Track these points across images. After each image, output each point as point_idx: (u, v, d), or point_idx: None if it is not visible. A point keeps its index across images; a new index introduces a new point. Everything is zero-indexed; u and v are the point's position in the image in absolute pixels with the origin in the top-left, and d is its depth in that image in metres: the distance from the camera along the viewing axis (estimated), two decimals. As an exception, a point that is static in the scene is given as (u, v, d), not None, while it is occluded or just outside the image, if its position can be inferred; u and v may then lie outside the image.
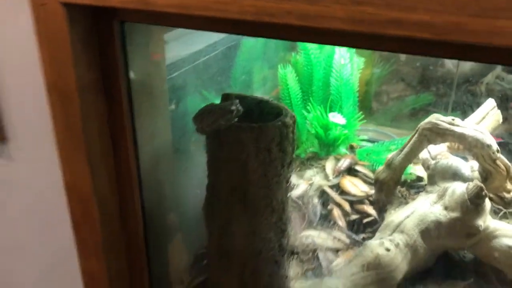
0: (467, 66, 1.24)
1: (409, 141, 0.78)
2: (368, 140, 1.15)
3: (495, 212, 0.88)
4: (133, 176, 0.57)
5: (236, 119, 0.59)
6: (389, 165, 0.80)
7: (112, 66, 0.52)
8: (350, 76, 1.04)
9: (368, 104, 1.24)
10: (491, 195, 0.89)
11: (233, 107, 0.58)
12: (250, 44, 1.02)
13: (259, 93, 1.06)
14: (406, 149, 0.78)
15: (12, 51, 0.52)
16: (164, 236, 0.69)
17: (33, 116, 0.54)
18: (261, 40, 1.03)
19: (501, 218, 0.85)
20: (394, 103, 1.29)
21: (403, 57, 1.27)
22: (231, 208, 0.63)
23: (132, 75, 0.55)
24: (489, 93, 1.27)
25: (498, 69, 1.26)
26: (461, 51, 0.37)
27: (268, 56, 1.06)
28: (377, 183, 0.82)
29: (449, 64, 1.26)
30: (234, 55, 0.97)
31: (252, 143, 0.58)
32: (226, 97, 0.66)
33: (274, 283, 0.67)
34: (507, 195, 0.91)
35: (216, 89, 0.80)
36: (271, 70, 1.04)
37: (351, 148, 1.08)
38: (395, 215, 0.74)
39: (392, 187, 0.80)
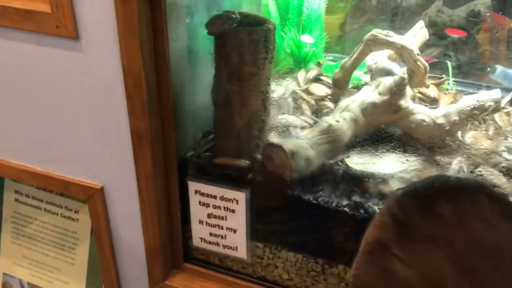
0: (412, 1, 1.53)
1: (357, 49, 1.08)
2: (333, 60, 1.45)
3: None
4: (167, 60, 0.85)
5: (235, 25, 0.88)
6: (342, 67, 1.10)
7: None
8: (318, 6, 1.32)
9: (334, 32, 1.52)
10: (417, 91, 1.20)
11: (234, 15, 0.87)
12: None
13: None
14: (355, 55, 1.08)
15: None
16: (183, 111, 0.98)
17: (101, 18, 0.82)
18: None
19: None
20: (355, 32, 1.58)
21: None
22: (231, 89, 0.93)
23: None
24: (431, 24, 1.57)
25: (440, 3, 1.55)
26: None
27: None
28: (334, 81, 1.12)
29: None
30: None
31: (247, 39, 0.87)
32: (226, 12, 0.94)
33: (258, 142, 0.98)
34: (432, 95, 1.23)
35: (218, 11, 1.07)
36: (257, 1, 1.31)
37: (319, 64, 1.38)
38: (344, 101, 1.05)
39: (344, 84, 1.10)
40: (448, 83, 1.31)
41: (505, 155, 1.03)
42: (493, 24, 1.49)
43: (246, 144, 0.99)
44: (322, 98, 1.21)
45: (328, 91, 1.23)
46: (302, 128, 1.09)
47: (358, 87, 1.21)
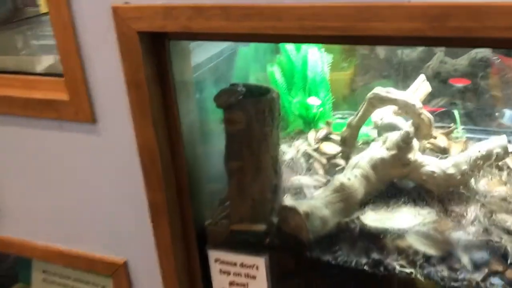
0: (414, 54, 1.58)
1: (361, 107, 1.12)
2: (341, 118, 1.49)
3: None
4: (179, 135, 0.90)
5: (241, 97, 0.93)
6: (349, 125, 1.13)
7: (164, 68, 0.86)
8: (322, 69, 1.38)
9: (340, 91, 1.57)
10: (426, 143, 1.22)
11: (240, 88, 0.92)
12: (245, 50, 1.36)
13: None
14: (359, 113, 1.12)
15: (103, 59, 0.85)
16: (198, 181, 1.02)
17: (115, 101, 0.88)
18: (252, 46, 1.38)
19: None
20: (361, 90, 1.63)
21: (365, 52, 1.61)
22: (242, 157, 0.97)
23: (174, 72, 0.89)
24: (435, 75, 1.61)
25: (442, 54, 1.60)
26: (359, 39, 0.71)
27: (259, 59, 1.40)
28: (341, 139, 1.15)
29: (400, 54, 1.60)
30: (234, 59, 1.31)
31: (253, 110, 0.92)
32: (233, 85, 1.00)
33: (273, 205, 1.01)
34: (442, 144, 1.24)
35: (225, 83, 1.14)
36: (263, 69, 1.38)
37: (328, 124, 1.42)
38: (353, 159, 1.08)
39: (352, 141, 1.14)
40: (457, 131, 1.33)
41: (521, 199, 1.03)
42: (501, 66, 1.53)
43: (261, 209, 1.01)
44: (334, 156, 1.24)
45: (339, 148, 1.26)
46: (316, 187, 1.11)
47: (368, 143, 1.24)
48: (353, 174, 1.02)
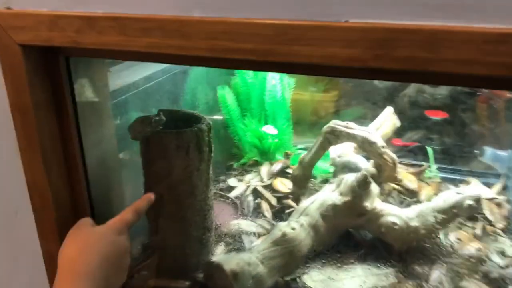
0: (389, 82, 1.43)
1: (315, 143, 0.96)
2: (304, 149, 1.33)
3: (401, 202, 1.05)
4: (80, 173, 0.73)
5: (160, 127, 0.77)
6: (301, 163, 0.97)
7: (60, 89, 0.69)
8: (282, 94, 1.22)
9: (304, 118, 1.42)
10: (396, 187, 1.06)
11: (157, 118, 0.76)
12: (197, 70, 1.20)
13: (204, 112, 1.23)
14: (313, 149, 0.96)
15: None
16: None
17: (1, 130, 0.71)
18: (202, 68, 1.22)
19: (405, 206, 1.02)
20: (329, 118, 1.48)
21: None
22: (162, 200, 0.80)
23: (77, 96, 0.72)
24: (411, 104, 1.46)
25: (420, 84, 1.45)
26: (281, 67, 0.56)
27: (212, 80, 1.24)
28: (293, 178, 0.99)
29: (375, 81, 1.45)
30: (177, 81, 1.15)
31: (173, 145, 0.76)
32: (159, 112, 0.84)
33: (199, 258, 0.84)
34: (411, 186, 1.09)
35: (157, 108, 0.98)
36: (213, 92, 1.22)
37: (287, 155, 1.26)
38: (303, 203, 0.91)
39: (304, 181, 0.97)
40: (430, 171, 1.18)
41: (496, 259, 0.87)
42: (489, 95, 1.38)
43: (184, 262, 0.84)
44: (287, 196, 1.07)
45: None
46: (257, 235, 0.94)
47: (327, 181, 1.08)
48: (299, 223, 0.86)
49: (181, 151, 0.76)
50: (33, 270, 0.80)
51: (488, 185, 1.12)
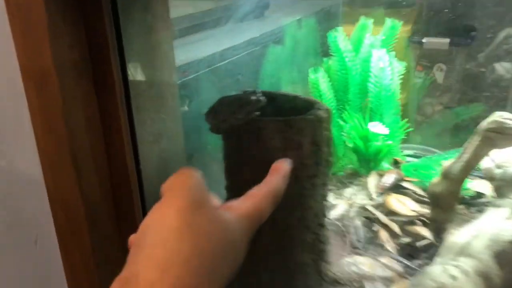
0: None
1: (467, 146, 0.65)
2: (414, 156, 1.02)
3: None
4: (131, 179, 0.46)
5: (257, 113, 0.48)
6: (446, 175, 0.66)
7: (102, 46, 0.42)
8: (391, 81, 0.91)
9: (411, 115, 1.11)
10: None
11: (253, 97, 0.47)
12: (277, 50, 0.92)
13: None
14: (466, 155, 0.65)
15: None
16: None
17: (10, 112, 0.45)
18: (288, 45, 0.93)
19: None
20: (440, 116, 1.16)
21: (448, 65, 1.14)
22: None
23: (129, 60, 0.45)
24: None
25: None
26: None
27: (297, 62, 0.95)
28: (432, 197, 0.68)
29: (501, 69, 1.12)
30: (259, 60, 0.87)
31: (279, 139, 0.46)
32: (242, 95, 0.55)
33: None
34: None
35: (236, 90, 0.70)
36: (301, 77, 0.93)
37: (395, 164, 0.95)
38: (457, 236, 0.60)
39: (451, 202, 0.66)
40: None
41: None
42: None
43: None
44: (411, 221, 0.76)
45: (417, 207, 0.78)
46: (386, 280, 0.64)
47: (467, 205, 0.76)
48: (461, 268, 0.55)
49: (290, 149, 0.47)
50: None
51: None
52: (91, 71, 0.42)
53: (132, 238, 0.35)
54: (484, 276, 0.55)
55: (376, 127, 0.88)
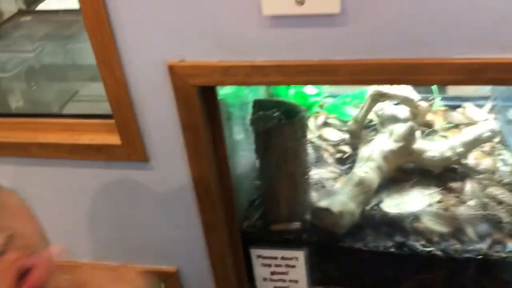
0: None
1: (365, 104, 1.25)
2: (330, 96, 1.60)
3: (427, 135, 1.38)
4: (227, 168, 1.00)
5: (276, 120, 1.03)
6: (355, 120, 1.27)
7: (216, 109, 0.93)
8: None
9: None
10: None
11: (275, 114, 1.02)
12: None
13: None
14: (364, 108, 1.25)
15: (157, 108, 0.91)
16: (237, 194, 1.13)
17: (169, 143, 0.95)
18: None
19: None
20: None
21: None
22: (277, 168, 1.08)
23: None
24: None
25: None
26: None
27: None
28: (350, 132, 1.29)
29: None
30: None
31: (287, 131, 1.03)
32: (258, 102, 1.09)
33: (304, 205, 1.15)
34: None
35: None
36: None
37: (321, 107, 1.54)
38: (365, 150, 1.22)
39: (359, 133, 1.28)
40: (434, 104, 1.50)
41: (503, 168, 1.23)
42: None
43: (295, 209, 1.15)
44: (338, 143, 1.37)
45: (341, 135, 1.39)
46: (333, 180, 1.25)
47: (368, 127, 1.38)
48: (369, 167, 1.17)
49: (292, 134, 1.03)
50: (192, 235, 1.08)
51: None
52: (211, 124, 0.93)
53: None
54: (379, 168, 1.18)
55: (309, 89, 1.45)
